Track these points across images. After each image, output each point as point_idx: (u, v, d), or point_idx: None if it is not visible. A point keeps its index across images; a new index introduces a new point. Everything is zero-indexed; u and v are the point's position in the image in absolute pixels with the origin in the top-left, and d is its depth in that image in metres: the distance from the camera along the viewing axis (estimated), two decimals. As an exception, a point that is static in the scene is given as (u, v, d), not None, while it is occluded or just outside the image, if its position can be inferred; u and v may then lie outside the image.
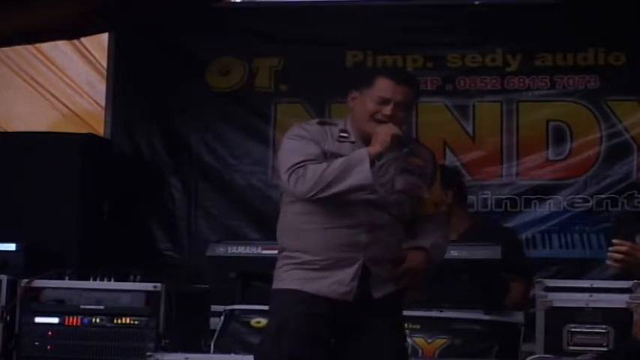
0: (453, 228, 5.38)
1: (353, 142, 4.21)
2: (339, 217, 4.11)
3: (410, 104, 4.24)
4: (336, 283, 4.10)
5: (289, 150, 4.18)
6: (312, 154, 4.12)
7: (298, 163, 4.08)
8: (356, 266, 4.10)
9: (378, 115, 4.15)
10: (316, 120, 4.43)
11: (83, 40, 7.84)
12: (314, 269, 4.12)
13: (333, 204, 4.10)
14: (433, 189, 4.29)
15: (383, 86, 4.17)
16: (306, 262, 4.13)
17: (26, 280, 5.35)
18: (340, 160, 4.05)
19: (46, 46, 7.89)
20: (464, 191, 5.85)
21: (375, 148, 4.07)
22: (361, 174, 4.01)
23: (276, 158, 4.32)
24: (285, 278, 4.17)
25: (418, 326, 4.76)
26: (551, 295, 4.71)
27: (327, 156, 4.13)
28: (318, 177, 4.03)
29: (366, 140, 4.15)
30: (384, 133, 4.08)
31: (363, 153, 4.06)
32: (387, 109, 4.14)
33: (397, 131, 4.09)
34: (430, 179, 4.27)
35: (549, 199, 6.71)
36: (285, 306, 4.14)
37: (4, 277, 5.37)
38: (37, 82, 8.58)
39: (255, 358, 4.22)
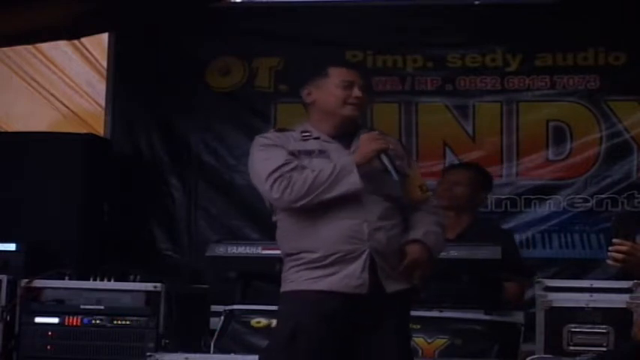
0: (456, 225, 5.47)
1: (317, 138, 4.23)
2: (337, 210, 4.08)
3: (369, 88, 4.30)
4: (348, 276, 4.04)
5: (260, 161, 4.19)
6: (282, 158, 4.13)
7: (275, 171, 4.09)
8: (363, 257, 4.05)
9: (350, 100, 4.18)
10: (274, 129, 4.46)
11: (83, 40, 7.85)
12: (322, 266, 4.06)
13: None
14: (413, 170, 4.29)
15: (340, 72, 4.23)
16: (312, 260, 4.07)
17: (26, 280, 5.34)
18: (327, 170, 4.06)
19: (46, 46, 7.91)
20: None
21: (360, 161, 4.09)
22: (350, 183, 4.04)
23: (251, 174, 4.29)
24: (294, 280, 4.11)
25: (418, 326, 4.75)
26: (551, 295, 4.70)
27: (296, 155, 4.15)
28: (308, 186, 4.04)
29: (338, 132, 4.20)
30: (370, 149, 4.10)
31: (349, 163, 4.08)
32: (357, 91, 4.18)
33: (382, 146, 4.12)
34: (404, 159, 4.27)
35: (549, 199, 6.70)
36: (298, 309, 4.07)
37: (4, 277, 5.36)
38: (37, 82, 8.60)
39: None
